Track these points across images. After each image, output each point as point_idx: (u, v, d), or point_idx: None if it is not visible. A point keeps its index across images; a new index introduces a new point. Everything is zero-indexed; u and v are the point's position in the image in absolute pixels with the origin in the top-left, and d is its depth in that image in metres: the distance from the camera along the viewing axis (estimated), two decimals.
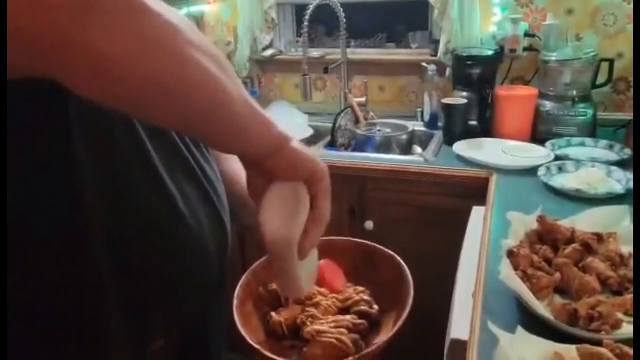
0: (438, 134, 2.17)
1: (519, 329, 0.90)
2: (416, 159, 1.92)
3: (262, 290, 0.87)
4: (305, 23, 2.18)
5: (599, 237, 1.13)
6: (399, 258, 0.88)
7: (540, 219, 1.17)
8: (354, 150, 2.24)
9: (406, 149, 2.18)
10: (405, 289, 0.82)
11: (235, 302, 0.81)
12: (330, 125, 2.30)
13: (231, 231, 0.89)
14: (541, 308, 0.95)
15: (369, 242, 0.95)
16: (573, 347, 0.84)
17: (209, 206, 0.82)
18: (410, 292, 0.81)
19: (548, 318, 0.93)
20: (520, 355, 0.85)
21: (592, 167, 1.64)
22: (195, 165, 0.81)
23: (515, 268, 1.04)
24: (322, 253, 0.83)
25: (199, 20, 2.68)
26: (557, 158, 1.76)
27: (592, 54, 1.96)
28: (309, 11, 2.17)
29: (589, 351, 0.80)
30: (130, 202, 0.70)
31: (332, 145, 2.27)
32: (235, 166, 0.97)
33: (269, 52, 2.64)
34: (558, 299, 1.00)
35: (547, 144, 1.88)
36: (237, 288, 0.84)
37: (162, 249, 0.73)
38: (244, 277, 0.86)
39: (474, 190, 1.70)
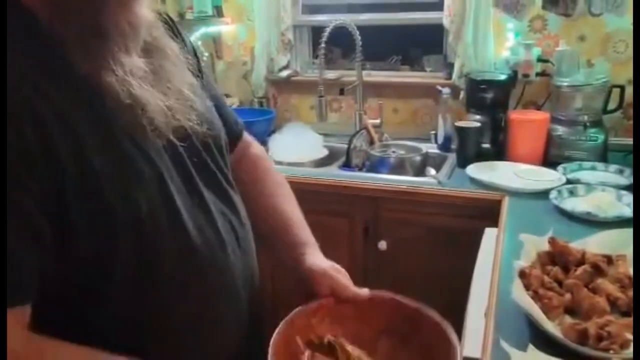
0: (451, 157, 2.20)
1: (531, 347, 0.93)
2: (430, 181, 1.95)
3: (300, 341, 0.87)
4: (322, 45, 2.23)
5: (608, 259, 1.16)
6: (445, 324, 0.88)
7: (552, 241, 1.20)
8: (368, 171, 2.27)
9: (420, 171, 2.21)
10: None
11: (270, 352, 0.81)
12: (345, 146, 2.34)
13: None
14: (552, 327, 0.98)
15: (412, 303, 0.93)
16: None
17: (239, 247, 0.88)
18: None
19: (558, 337, 0.96)
20: None
21: (603, 192, 1.67)
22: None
23: (527, 288, 1.07)
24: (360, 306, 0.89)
25: (216, 40, 2.74)
26: (568, 182, 1.79)
27: (604, 80, 2.00)
28: (326, 33, 2.21)
29: None
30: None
31: (346, 165, 2.31)
32: (276, 202, 1.06)
33: (285, 73, 2.69)
34: (568, 319, 1.02)
35: (559, 167, 1.91)
36: (274, 337, 0.84)
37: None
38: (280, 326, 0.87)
39: (486, 212, 1.73)
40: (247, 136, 1.15)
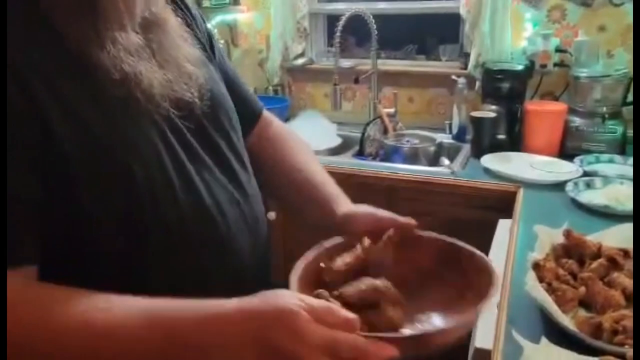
0: (466, 147, 2.19)
1: (543, 339, 0.92)
2: (444, 171, 1.94)
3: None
4: (338, 34, 2.23)
5: (625, 252, 1.13)
6: (485, 257, 0.88)
7: (567, 233, 1.18)
8: (382, 160, 2.27)
9: (434, 161, 2.20)
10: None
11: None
12: (358, 135, 2.34)
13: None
14: (565, 320, 0.96)
15: (455, 241, 0.93)
16: (596, 359, 0.85)
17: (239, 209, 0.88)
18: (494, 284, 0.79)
19: (572, 330, 0.94)
20: None
21: (621, 184, 1.64)
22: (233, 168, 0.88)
23: (541, 281, 1.05)
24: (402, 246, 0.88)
25: (232, 28, 2.74)
26: (585, 174, 1.77)
27: (624, 71, 1.97)
28: (341, 22, 2.21)
29: None
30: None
31: (360, 154, 2.30)
32: (297, 157, 1.08)
33: (300, 61, 2.69)
34: (583, 313, 1.01)
35: (576, 159, 1.89)
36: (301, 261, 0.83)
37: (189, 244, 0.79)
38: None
39: (501, 203, 1.72)
40: (267, 115, 1.15)
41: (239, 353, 0.61)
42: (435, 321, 0.83)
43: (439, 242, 0.93)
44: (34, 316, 0.63)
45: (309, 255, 0.84)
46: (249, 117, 1.06)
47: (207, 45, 0.99)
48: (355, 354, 0.60)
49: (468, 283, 0.83)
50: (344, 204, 0.98)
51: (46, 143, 0.67)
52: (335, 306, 0.65)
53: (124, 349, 0.62)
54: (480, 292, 0.77)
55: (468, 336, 0.82)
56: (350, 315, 0.63)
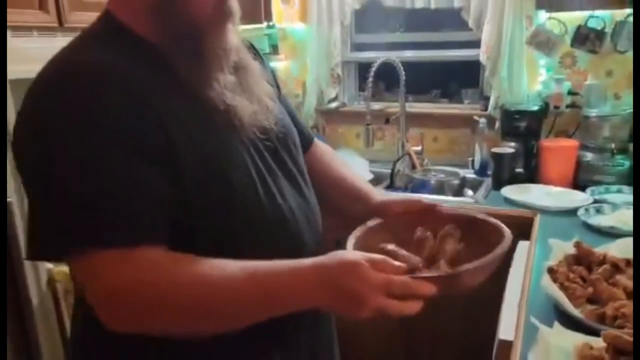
0: (487, 181, 2.39)
1: (556, 324, 1.12)
2: (468, 200, 2.15)
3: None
4: (370, 79, 2.47)
5: (627, 261, 1.33)
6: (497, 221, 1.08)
7: (577, 245, 1.38)
8: (411, 192, 2.47)
9: (458, 193, 2.40)
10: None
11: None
12: (388, 171, 2.57)
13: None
14: (574, 310, 1.16)
15: (476, 215, 1.14)
16: (600, 338, 1.04)
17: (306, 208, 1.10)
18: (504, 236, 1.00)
19: (580, 317, 1.14)
20: (557, 344, 1.06)
21: (628, 210, 1.84)
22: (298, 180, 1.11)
23: (554, 282, 1.25)
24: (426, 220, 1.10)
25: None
26: (595, 202, 1.96)
27: (629, 111, 2.18)
28: (373, 69, 2.45)
29: (611, 334, 1.00)
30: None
31: (390, 188, 2.52)
32: (335, 165, 1.33)
33: (334, 105, 2.95)
34: (590, 307, 1.20)
35: (587, 190, 2.08)
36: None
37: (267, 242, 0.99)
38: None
39: (520, 228, 1.89)
40: (317, 140, 1.39)
41: (315, 296, 0.83)
42: None
43: (459, 216, 1.15)
44: (172, 273, 0.83)
45: (357, 232, 1.08)
46: (305, 142, 1.29)
47: (274, 83, 1.21)
48: (404, 290, 0.82)
49: (486, 243, 1.01)
50: (378, 194, 1.23)
51: (171, 155, 0.88)
52: (388, 257, 0.86)
53: (231, 296, 0.83)
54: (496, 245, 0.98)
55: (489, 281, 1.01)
56: (400, 263, 0.85)
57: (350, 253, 0.89)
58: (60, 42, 0.94)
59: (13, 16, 1.76)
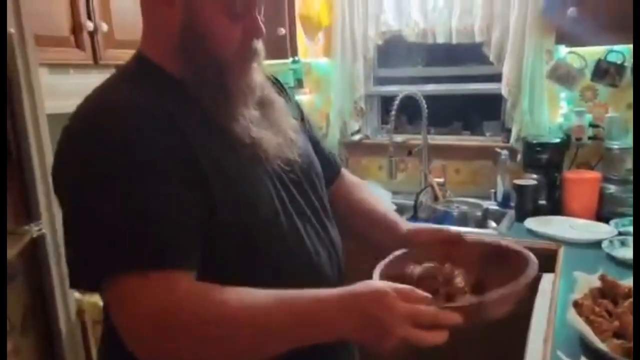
0: (510, 212, 2.41)
1: (583, 358, 1.14)
2: (491, 232, 2.17)
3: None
4: (393, 112, 2.53)
5: None
6: (528, 253, 1.08)
7: (602, 278, 1.40)
8: (434, 223, 2.48)
9: (481, 225, 2.43)
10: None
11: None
12: (411, 202, 2.60)
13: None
14: (601, 344, 1.17)
15: (501, 242, 1.17)
16: None
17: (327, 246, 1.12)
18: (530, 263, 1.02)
19: (606, 351, 1.15)
20: None
21: None
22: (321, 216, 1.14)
23: (580, 316, 1.27)
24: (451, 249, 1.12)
25: None
26: (620, 234, 1.97)
27: None
28: (396, 102, 2.51)
29: None
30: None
31: (414, 219, 2.55)
32: (364, 195, 1.36)
33: (357, 137, 3.00)
34: (616, 342, 1.21)
35: (611, 222, 2.09)
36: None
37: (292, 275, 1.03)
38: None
39: (544, 260, 1.90)
40: (344, 171, 1.43)
41: (341, 323, 0.85)
42: None
43: (484, 244, 1.18)
44: (205, 301, 0.85)
45: (385, 261, 1.10)
46: (333, 172, 1.33)
47: (299, 116, 1.25)
48: (430, 320, 0.84)
49: (512, 271, 1.00)
50: (405, 224, 1.26)
51: (203, 185, 0.92)
52: (415, 288, 0.88)
53: (262, 321, 0.85)
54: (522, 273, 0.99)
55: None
56: (426, 294, 0.87)
57: (377, 282, 0.93)
58: (95, 78, 1.01)
59: (51, 54, 1.85)
